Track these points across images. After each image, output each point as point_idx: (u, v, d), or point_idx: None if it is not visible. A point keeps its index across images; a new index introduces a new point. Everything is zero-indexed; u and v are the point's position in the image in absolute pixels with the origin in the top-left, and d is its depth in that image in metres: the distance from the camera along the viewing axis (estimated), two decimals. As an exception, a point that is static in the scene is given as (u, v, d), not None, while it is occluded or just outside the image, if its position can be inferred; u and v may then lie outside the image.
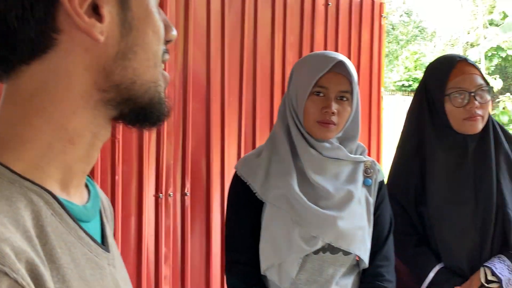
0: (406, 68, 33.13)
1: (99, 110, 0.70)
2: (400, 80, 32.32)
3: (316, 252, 1.68)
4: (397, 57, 36.92)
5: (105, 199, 0.86)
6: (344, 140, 1.77)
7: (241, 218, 1.74)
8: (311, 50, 3.02)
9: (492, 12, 31.92)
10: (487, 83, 1.92)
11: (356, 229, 1.71)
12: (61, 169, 0.69)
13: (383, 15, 3.37)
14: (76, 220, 0.69)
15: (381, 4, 3.37)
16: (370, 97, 3.41)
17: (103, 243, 0.76)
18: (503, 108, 14.52)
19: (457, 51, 34.45)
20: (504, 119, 14.09)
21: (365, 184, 1.79)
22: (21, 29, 0.63)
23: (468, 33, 32.13)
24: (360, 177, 1.78)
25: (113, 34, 0.68)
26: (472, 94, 1.88)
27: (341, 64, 1.67)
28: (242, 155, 2.73)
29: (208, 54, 2.58)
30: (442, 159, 1.95)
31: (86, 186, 0.77)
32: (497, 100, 16.14)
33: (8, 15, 0.62)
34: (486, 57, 30.42)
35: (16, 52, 0.64)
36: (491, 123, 1.99)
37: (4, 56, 0.65)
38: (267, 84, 2.92)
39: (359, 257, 1.74)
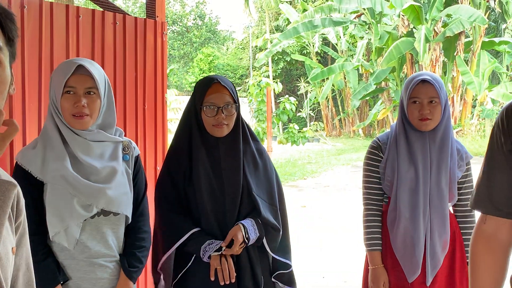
0: (200, 69, 34.19)
1: None
2: (195, 82, 33.41)
3: (92, 217, 2.18)
4: (192, 59, 37.99)
5: (6, 180, 1.20)
6: (104, 128, 2.26)
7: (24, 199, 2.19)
8: (102, 62, 3.50)
9: (278, 19, 34.41)
10: (234, 101, 2.47)
11: (122, 195, 2.24)
12: None
13: (164, 32, 3.95)
14: None
15: (162, 23, 3.94)
16: (155, 101, 3.95)
17: None
18: (283, 109, 15.84)
19: (247, 54, 36.56)
20: (284, 117, 15.48)
21: (124, 159, 2.31)
22: None
23: (257, 37, 34.20)
24: (120, 154, 2.30)
25: None
26: (220, 108, 2.41)
27: (82, 67, 2.13)
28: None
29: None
30: (203, 154, 2.48)
31: None
32: (279, 101, 17.63)
33: None
34: (273, 61, 32.75)
35: None
36: (241, 128, 2.54)
37: None
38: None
39: (127, 216, 2.27)
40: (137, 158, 2.39)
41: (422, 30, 19.46)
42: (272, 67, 32.37)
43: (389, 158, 2.73)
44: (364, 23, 24.61)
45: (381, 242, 2.76)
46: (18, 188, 1.29)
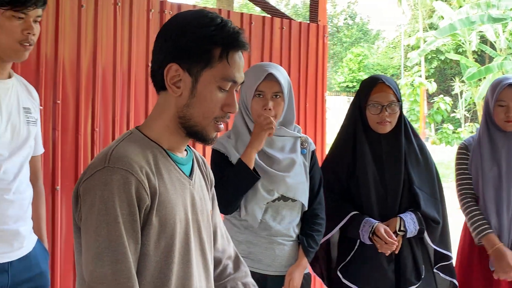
0: (350, 69, 33.88)
1: (179, 125, 1.42)
2: (345, 82, 33.23)
3: (273, 201, 2.45)
4: (341, 59, 37.73)
5: (200, 157, 1.63)
6: (285, 124, 2.54)
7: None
8: (270, 62, 3.82)
9: (431, 16, 33.25)
10: (398, 100, 2.62)
11: (299, 184, 2.49)
12: (168, 142, 1.45)
13: (326, 35, 4.21)
14: (175, 162, 1.45)
15: (324, 27, 4.20)
16: (315, 99, 4.23)
17: (190, 175, 1.51)
18: (437, 109, 15.40)
19: (399, 53, 35.78)
20: (438, 118, 15.05)
21: (302, 153, 2.56)
22: (157, 82, 1.44)
23: (409, 36, 33.30)
24: (299, 148, 2.55)
25: (186, 95, 1.40)
26: (384, 106, 2.58)
27: (271, 74, 2.39)
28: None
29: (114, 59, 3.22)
30: (366, 149, 2.66)
31: (187, 151, 1.54)
32: (432, 101, 17.16)
33: (156, 77, 1.44)
34: (426, 59, 31.77)
35: (156, 87, 1.46)
36: (403, 125, 2.69)
37: (155, 87, 1.46)
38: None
39: (302, 203, 2.51)
40: (313, 153, 2.61)
41: None
42: (425, 66, 31.37)
43: (474, 159, 2.92)
44: (526, 19, 23.13)
45: (490, 225, 2.84)
46: (205, 160, 1.66)
